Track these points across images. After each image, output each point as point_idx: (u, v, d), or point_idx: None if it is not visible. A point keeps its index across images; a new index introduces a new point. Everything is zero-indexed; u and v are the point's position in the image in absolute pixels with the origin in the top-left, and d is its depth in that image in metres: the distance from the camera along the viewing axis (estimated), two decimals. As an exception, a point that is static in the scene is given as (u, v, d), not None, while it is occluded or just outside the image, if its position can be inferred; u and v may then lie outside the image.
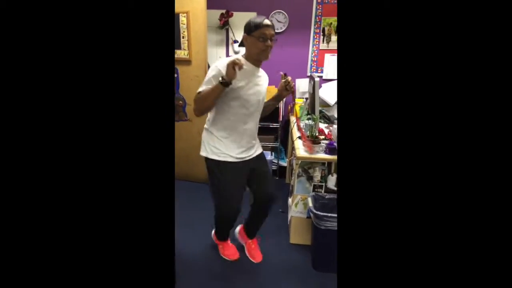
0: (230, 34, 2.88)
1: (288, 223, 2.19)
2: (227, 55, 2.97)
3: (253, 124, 1.62)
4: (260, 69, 1.57)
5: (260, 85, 1.56)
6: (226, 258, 1.91)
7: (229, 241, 1.98)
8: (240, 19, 2.83)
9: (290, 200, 2.13)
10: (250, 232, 1.95)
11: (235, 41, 2.88)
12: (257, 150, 1.70)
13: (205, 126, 1.63)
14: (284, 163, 2.98)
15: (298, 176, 1.94)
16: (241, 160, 1.61)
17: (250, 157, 1.65)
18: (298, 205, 1.99)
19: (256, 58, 1.48)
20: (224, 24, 2.80)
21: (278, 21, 2.83)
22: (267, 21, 1.42)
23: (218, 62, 1.46)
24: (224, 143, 1.56)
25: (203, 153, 1.62)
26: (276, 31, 2.80)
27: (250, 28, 1.41)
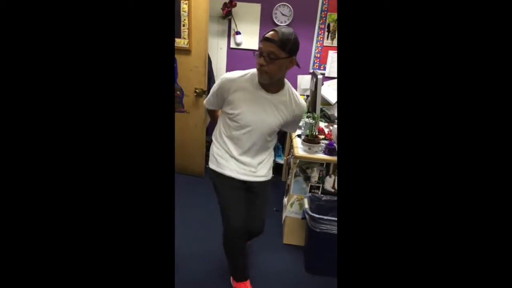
0: (233, 25, 2.79)
1: (282, 222, 2.14)
2: (229, 46, 2.88)
3: (252, 148, 1.36)
4: (285, 94, 1.28)
5: (269, 113, 1.27)
6: None
7: (247, 283, 1.61)
8: (243, 10, 2.74)
9: (285, 199, 2.08)
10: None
11: (237, 33, 2.79)
12: (256, 178, 1.44)
13: None
14: (281, 161, 2.92)
15: (295, 175, 1.89)
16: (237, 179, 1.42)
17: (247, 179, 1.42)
18: (294, 205, 1.94)
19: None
20: (227, 14, 2.71)
21: (282, 14, 2.74)
22: (269, 33, 1.16)
23: (227, 74, 1.33)
24: (224, 156, 1.43)
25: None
26: (280, 24, 2.74)
27: None
